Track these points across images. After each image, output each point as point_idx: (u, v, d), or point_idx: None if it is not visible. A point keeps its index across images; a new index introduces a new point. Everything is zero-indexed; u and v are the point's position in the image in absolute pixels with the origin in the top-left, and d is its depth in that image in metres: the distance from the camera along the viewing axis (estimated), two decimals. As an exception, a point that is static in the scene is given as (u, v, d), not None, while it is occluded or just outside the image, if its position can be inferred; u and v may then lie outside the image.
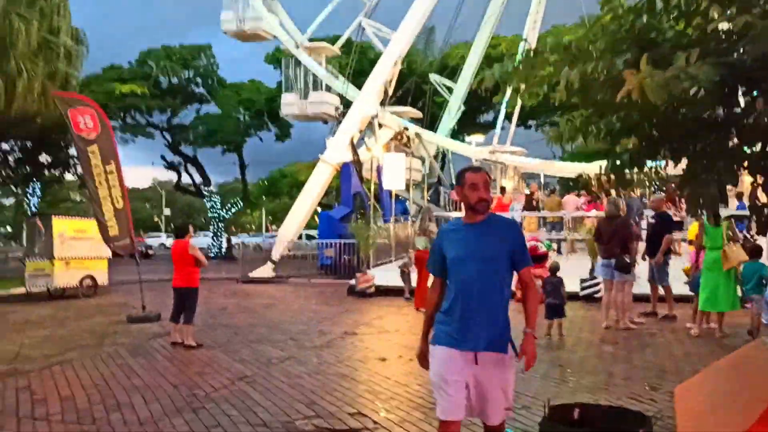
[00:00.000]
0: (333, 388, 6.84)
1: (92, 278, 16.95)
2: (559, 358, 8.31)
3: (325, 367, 7.97)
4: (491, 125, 43.63)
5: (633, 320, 10.63)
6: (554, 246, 17.60)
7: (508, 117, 27.18)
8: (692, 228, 13.84)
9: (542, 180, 35.77)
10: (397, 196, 23.41)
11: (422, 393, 6.51)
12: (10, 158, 26.36)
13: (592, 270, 14.16)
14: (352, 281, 16.53)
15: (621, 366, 7.79)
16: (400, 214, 22.09)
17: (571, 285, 14.59)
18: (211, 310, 13.33)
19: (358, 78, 27.95)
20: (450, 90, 31.50)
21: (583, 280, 14.19)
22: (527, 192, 23.00)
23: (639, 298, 12.23)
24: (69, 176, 29.04)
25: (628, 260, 10.18)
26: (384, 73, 23.19)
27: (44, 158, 26.61)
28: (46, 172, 27.55)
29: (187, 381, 7.33)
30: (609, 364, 7.95)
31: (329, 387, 6.91)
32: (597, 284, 13.94)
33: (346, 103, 26.68)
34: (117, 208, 12.38)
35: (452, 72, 32.59)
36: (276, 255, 22.52)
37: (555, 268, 10.35)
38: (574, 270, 16.62)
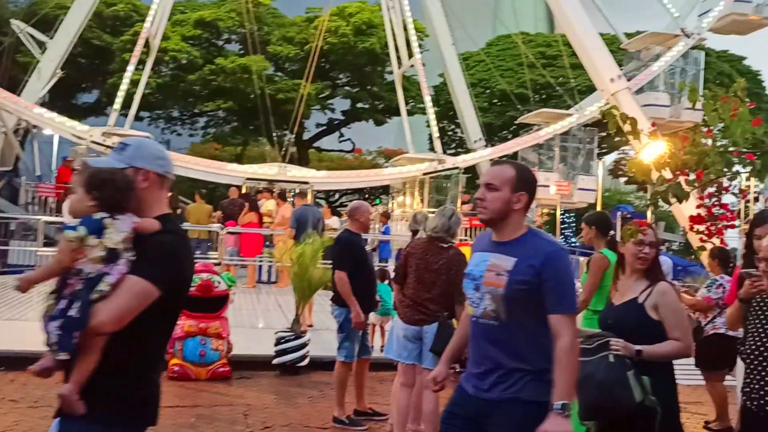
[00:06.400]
0: None
1: None
2: None
3: None
4: (93, 109, 35.22)
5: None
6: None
7: (125, 104, 20.23)
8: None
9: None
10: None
11: None
12: None
13: (296, 320, 8.94)
14: None
15: None
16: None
17: (259, 343, 9.30)
18: None
19: None
20: (43, 46, 22.72)
21: (280, 339, 8.84)
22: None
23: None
24: None
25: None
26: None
27: None
28: None
29: None
30: None
31: None
32: (302, 347, 8.78)
33: None
34: None
35: (47, 25, 23.59)
36: None
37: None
38: (263, 316, 11.37)
